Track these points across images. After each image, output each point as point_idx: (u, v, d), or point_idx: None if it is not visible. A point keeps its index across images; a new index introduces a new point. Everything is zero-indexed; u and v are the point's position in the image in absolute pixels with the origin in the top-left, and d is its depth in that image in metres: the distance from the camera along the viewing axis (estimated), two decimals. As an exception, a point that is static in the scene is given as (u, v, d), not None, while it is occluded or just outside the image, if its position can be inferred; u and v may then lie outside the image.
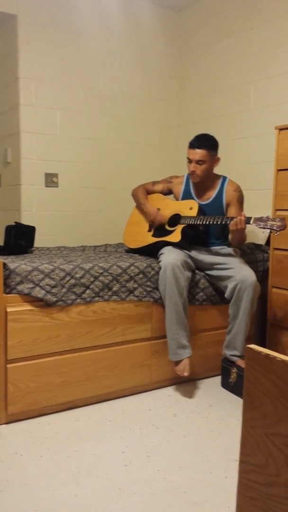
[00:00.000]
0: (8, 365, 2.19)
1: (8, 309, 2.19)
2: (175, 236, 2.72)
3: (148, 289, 2.55)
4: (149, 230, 2.91)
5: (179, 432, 2.18)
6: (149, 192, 3.02)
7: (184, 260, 2.57)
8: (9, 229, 2.76)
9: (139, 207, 3.03)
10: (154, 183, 3.04)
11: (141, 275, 2.54)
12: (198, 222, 2.61)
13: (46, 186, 3.69)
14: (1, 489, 1.71)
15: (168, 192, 2.99)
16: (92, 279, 2.41)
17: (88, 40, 3.72)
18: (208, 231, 2.80)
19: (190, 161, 2.70)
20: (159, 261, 2.60)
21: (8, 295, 2.21)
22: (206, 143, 2.67)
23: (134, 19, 3.90)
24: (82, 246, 3.39)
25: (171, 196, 3.00)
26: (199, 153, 2.66)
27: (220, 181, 2.79)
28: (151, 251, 2.83)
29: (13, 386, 2.20)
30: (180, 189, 2.90)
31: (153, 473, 1.84)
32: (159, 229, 2.88)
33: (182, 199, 2.86)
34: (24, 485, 1.74)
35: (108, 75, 3.84)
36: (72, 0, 3.60)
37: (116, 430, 2.18)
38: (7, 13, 3.40)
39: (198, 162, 2.67)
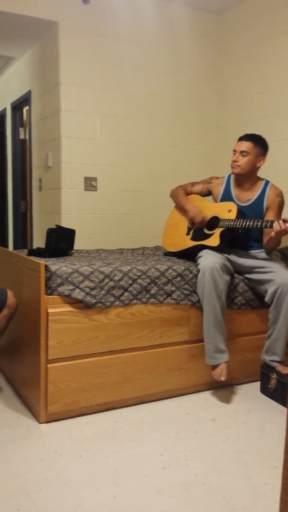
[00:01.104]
0: (49, 365, 2.23)
1: (49, 310, 2.23)
2: (214, 240, 2.70)
3: (186, 292, 2.55)
4: (188, 233, 2.90)
5: (218, 437, 2.16)
6: (187, 193, 3.00)
7: (223, 263, 2.55)
8: (50, 232, 2.81)
9: (179, 207, 3.00)
10: (193, 184, 3.01)
11: (179, 278, 2.54)
12: (237, 225, 2.59)
13: (85, 190, 3.74)
14: (41, 487, 1.74)
15: (207, 193, 2.96)
16: (130, 281, 2.42)
17: (127, 45, 3.76)
18: (248, 234, 2.76)
19: (234, 152, 2.68)
20: (198, 264, 2.58)
21: (49, 296, 2.25)
22: (255, 137, 2.67)
23: (172, 23, 3.91)
24: (120, 249, 3.41)
25: (210, 197, 2.97)
26: (244, 144, 2.65)
27: (262, 185, 2.75)
28: (190, 255, 2.82)
29: (53, 385, 2.24)
30: (219, 190, 2.87)
31: (191, 477, 1.83)
32: (197, 232, 2.86)
33: (221, 200, 2.83)
34: (63, 484, 1.77)
35: (147, 79, 3.87)
36: (110, 6, 3.65)
37: (154, 433, 2.18)
38: (49, 20, 3.48)
39: (242, 153, 2.65)
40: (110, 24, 3.67)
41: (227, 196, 2.82)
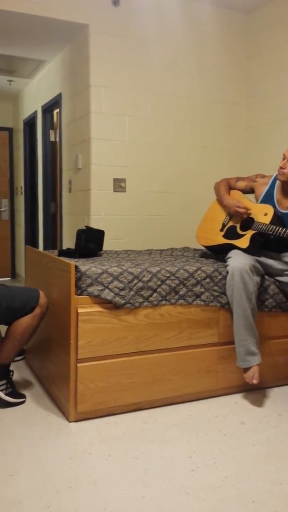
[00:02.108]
0: (79, 364, 2.25)
1: (79, 310, 2.25)
2: (244, 241, 2.67)
3: (215, 293, 2.53)
4: (221, 230, 2.87)
5: (247, 440, 2.13)
6: (231, 188, 2.95)
7: (252, 265, 2.51)
8: (80, 233, 2.84)
9: (219, 200, 2.96)
10: (238, 179, 2.96)
11: (208, 280, 2.52)
12: (269, 231, 2.53)
13: (114, 191, 3.77)
14: (71, 485, 1.76)
15: (250, 191, 2.89)
16: (159, 282, 2.42)
17: (156, 46, 3.76)
18: (279, 240, 2.68)
19: (283, 158, 2.61)
20: (227, 265, 2.56)
21: (79, 296, 2.28)
22: None
23: (201, 23, 3.90)
24: (148, 250, 3.42)
25: (252, 196, 2.91)
26: None
27: None
28: (219, 252, 2.80)
29: (82, 385, 2.26)
30: (262, 190, 2.80)
31: (220, 480, 1.81)
32: (230, 230, 2.82)
33: (262, 202, 2.76)
34: (92, 483, 1.78)
35: (176, 80, 3.86)
36: (140, 8, 3.66)
37: (182, 435, 2.17)
38: (80, 23, 3.52)
39: None
40: (140, 26, 3.68)
41: (268, 198, 2.75)
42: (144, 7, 3.67)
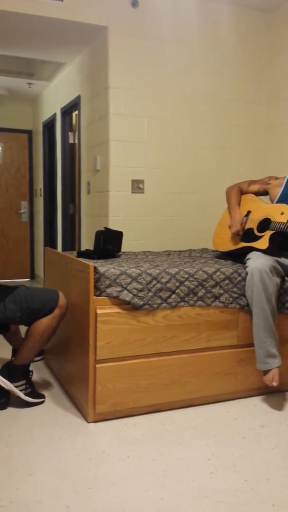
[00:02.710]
0: (97, 365, 2.26)
1: (98, 311, 2.26)
2: (263, 242, 2.65)
3: (234, 295, 2.51)
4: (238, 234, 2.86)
5: (267, 443, 2.11)
6: (243, 193, 2.94)
7: (272, 266, 2.49)
8: (98, 234, 2.85)
9: (228, 209, 2.97)
10: (250, 182, 2.95)
11: (227, 281, 2.51)
12: (287, 230, 2.52)
13: (132, 192, 3.77)
14: (90, 486, 1.77)
15: (264, 193, 2.88)
16: (177, 284, 2.42)
17: (174, 46, 3.76)
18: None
19: None
20: (246, 267, 2.54)
21: (98, 297, 2.28)
22: None
23: (219, 23, 3.88)
24: (167, 251, 3.41)
25: (266, 198, 2.90)
26: None
27: None
28: (238, 256, 2.78)
29: (101, 385, 2.27)
30: (277, 191, 2.78)
31: (239, 483, 1.80)
32: (247, 233, 2.81)
33: (277, 202, 2.76)
34: (111, 483, 1.78)
35: (194, 80, 3.85)
36: (158, 9, 3.66)
37: (201, 437, 2.16)
38: (99, 25, 3.54)
39: None
40: (158, 27, 3.68)
41: (284, 198, 2.72)
42: (163, 8, 3.67)
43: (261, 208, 2.78)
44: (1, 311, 2.34)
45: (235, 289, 2.51)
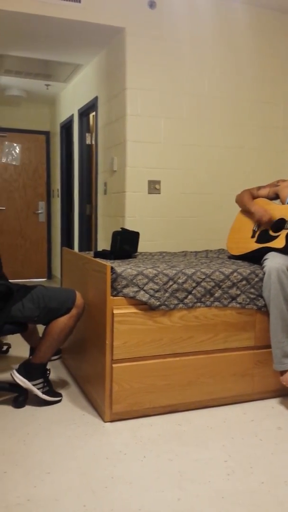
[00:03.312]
0: (114, 365, 2.27)
1: (115, 311, 2.27)
2: (279, 241, 2.63)
3: (252, 296, 2.50)
4: (253, 236, 2.85)
5: (284, 445, 2.09)
6: (254, 197, 2.95)
7: (290, 267, 2.47)
8: (115, 235, 2.86)
9: (245, 210, 2.95)
10: (259, 187, 2.96)
11: (244, 282, 2.49)
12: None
13: (148, 193, 3.78)
14: (106, 485, 1.77)
15: (274, 196, 2.89)
16: (194, 284, 2.41)
17: (191, 47, 3.75)
18: None
19: None
20: (263, 267, 2.53)
21: (115, 297, 2.29)
22: None
23: (236, 23, 3.86)
24: (183, 252, 3.41)
25: (277, 201, 2.90)
26: None
27: None
28: (255, 258, 2.76)
29: (118, 385, 2.28)
30: (287, 192, 2.79)
31: (257, 485, 1.79)
32: (262, 234, 2.80)
33: None
34: (128, 483, 1.79)
35: (211, 80, 3.84)
36: (176, 10, 3.66)
37: (217, 438, 2.15)
38: (116, 27, 3.55)
39: None
40: (175, 28, 3.68)
41: None
42: (180, 9, 3.67)
43: (274, 210, 2.77)
44: (19, 310, 2.36)
45: (252, 290, 2.50)
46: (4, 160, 6.29)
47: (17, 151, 6.35)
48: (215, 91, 3.86)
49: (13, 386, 2.48)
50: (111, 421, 2.30)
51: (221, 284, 2.45)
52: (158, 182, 3.78)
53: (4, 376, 2.85)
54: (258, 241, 2.79)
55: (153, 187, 3.78)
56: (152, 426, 2.26)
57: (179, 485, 1.78)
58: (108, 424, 2.28)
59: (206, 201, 3.94)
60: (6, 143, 6.27)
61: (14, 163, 6.36)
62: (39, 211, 6.59)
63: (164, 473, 1.86)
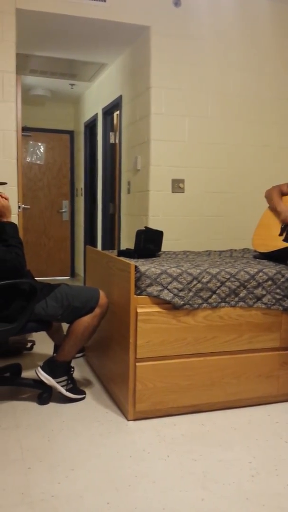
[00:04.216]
0: (137, 364, 2.27)
1: (138, 310, 2.27)
2: (308, 242, 2.59)
3: (278, 296, 2.46)
4: (281, 234, 2.80)
5: (310, 449, 2.06)
6: (283, 194, 2.90)
7: None
8: (139, 233, 2.86)
9: (272, 207, 2.92)
10: None
11: (270, 282, 2.46)
12: None
13: (172, 192, 3.77)
14: (130, 483, 1.78)
15: None
16: (218, 284, 2.39)
17: (216, 45, 3.72)
18: None
19: None
20: (290, 267, 2.49)
21: (139, 296, 2.29)
22: None
23: (261, 20, 3.81)
24: (207, 251, 3.39)
25: None
26: None
27: None
28: (282, 257, 2.73)
29: (141, 384, 2.28)
30: None
31: (282, 487, 1.76)
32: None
33: None
34: (151, 482, 1.79)
35: (236, 78, 3.81)
36: (201, 8, 3.64)
37: (242, 439, 2.13)
38: (141, 25, 3.55)
39: None
40: (200, 26, 3.66)
41: None
42: (204, 7, 3.65)
43: None
44: (42, 308, 2.38)
45: (278, 290, 2.46)
46: (28, 159, 6.37)
47: (42, 151, 6.42)
48: (240, 89, 3.82)
49: (38, 383, 2.50)
50: (135, 419, 2.31)
51: (246, 284, 2.43)
52: (182, 181, 3.77)
53: (29, 373, 2.88)
54: (286, 240, 2.74)
55: (177, 186, 3.77)
56: (175, 426, 2.26)
57: (203, 485, 1.77)
58: (131, 422, 2.28)
59: (230, 200, 3.91)
60: (31, 142, 6.34)
61: (38, 163, 6.43)
62: (63, 210, 6.65)
63: (188, 473, 1.85)
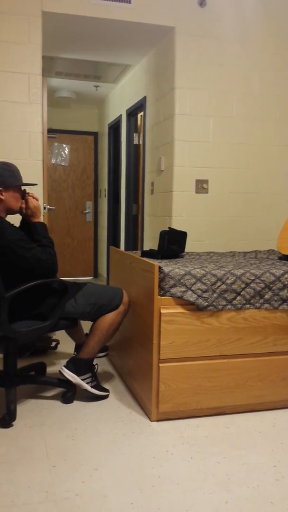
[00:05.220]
0: (161, 364, 2.27)
1: (162, 311, 2.27)
2: None
3: (303, 298, 2.43)
4: (306, 237, 2.77)
5: None
6: None
7: None
8: (163, 234, 2.86)
9: None
10: None
11: (295, 284, 2.43)
12: None
13: (196, 193, 3.75)
14: (153, 484, 1.78)
15: None
16: (243, 285, 2.37)
17: (241, 45, 3.69)
18: None
19: None
20: (316, 270, 2.45)
21: (162, 297, 2.29)
22: None
23: (285, 20, 3.77)
24: (231, 252, 3.36)
25: None
26: None
27: None
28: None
29: (164, 385, 2.27)
30: None
31: (307, 494, 1.74)
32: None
33: None
34: (175, 484, 1.78)
35: (262, 78, 3.77)
36: (226, 7, 3.61)
37: (266, 443, 2.11)
38: (166, 26, 3.55)
39: None
40: (224, 25, 3.64)
41: None
42: (229, 6, 3.62)
43: None
44: (72, 306, 2.42)
45: (303, 292, 2.43)
46: (53, 161, 6.44)
47: (66, 152, 6.48)
48: (265, 89, 3.78)
49: (62, 382, 2.53)
50: (158, 420, 2.30)
51: (271, 285, 2.40)
52: (206, 182, 3.75)
53: (53, 372, 2.91)
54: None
55: (201, 186, 3.75)
56: (199, 428, 2.25)
57: (227, 488, 1.75)
58: (154, 423, 2.28)
59: (255, 200, 3.88)
60: (56, 144, 6.41)
61: (63, 164, 6.49)
62: (87, 211, 6.69)
63: (212, 475, 1.84)
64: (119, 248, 5.41)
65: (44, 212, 3.48)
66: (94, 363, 2.57)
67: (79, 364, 2.49)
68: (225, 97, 3.70)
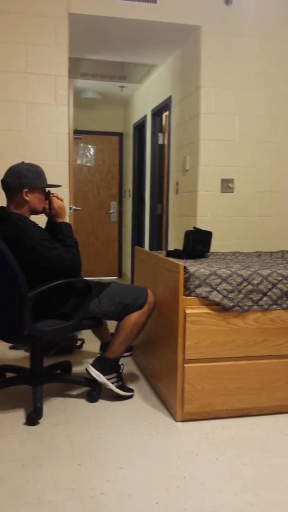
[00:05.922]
0: (186, 365, 2.26)
1: (187, 311, 2.26)
2: None
3: None
4: None
5: None
6: None
7: None
8: (188, 234, 2.85)
9: None
10: None
11: None
12: None
13: (221, 192, 3.73)
14: (179, 484, 1.77)
15: None
16: (270, 286, 2.34)
17: (267, 43, 3.65)
18: None
19: None
20: None
21: (187, 297, 2.28)
22: None
23: None
24: (257, 252, 3.33)
25: None
26: None
27: None
28: None
29: (189, 385, 2.27)
30: None
31: None
32: None
33: None
34: (200, 484, 1.77)
35: (287, 76, 3.72)
36: (252, 5, 3.58)
37: (293, 445, 2.08)
38: (191, 25, 3.54)
39: None
40: (250, 23, 3.60)
41: None
42: (255, 4, 3.58)
43: None
44: (96, 306, 2.43)
45: None
46: (79, 161, 6.49)
47: (92, 153, 6.53)
48: (293, 86, 3.73)
49: (88, 381, 2.55)
50: (183, 421, 2.30)
51: (298, 286, 2.36)
52: (232, 181, 3.72)
53: (78, 371, 2.94)
54: None
55: (226, 185, 3.73)
56: (224, 429, 2.23)
57: (253, 490, 1.74)
58: (179, 423, 2.28)
59: (281, 199, 3.82)
60: (81, 145, 6.46)
61: (88, 165, 6.54)
62: (111, 211, 6.73)
63: (237, 476, 1.83)
64: (144, 248, 5.42)
65: (69, 212, 3.51)
66: (120, 363, 2.58)
67: (105, 364, 2.50)
68: (251, 95, 3.67)
